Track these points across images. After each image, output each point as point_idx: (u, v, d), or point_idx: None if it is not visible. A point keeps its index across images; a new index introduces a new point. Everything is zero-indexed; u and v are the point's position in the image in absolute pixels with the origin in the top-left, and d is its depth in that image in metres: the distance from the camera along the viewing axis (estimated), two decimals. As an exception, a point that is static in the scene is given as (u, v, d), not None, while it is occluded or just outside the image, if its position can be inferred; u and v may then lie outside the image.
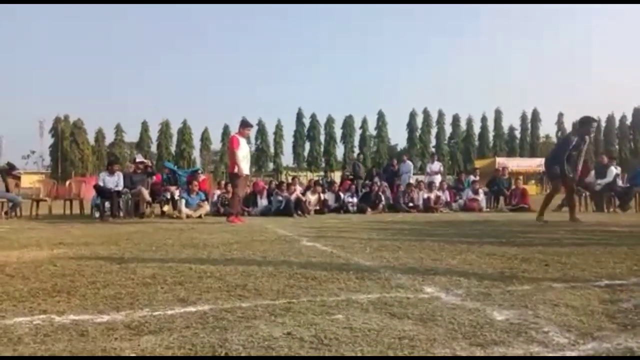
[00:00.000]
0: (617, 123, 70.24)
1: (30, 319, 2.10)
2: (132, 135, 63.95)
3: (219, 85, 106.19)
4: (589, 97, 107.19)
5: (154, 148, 62.83)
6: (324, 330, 1.88)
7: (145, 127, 62.85)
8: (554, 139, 68.50)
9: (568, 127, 69.05)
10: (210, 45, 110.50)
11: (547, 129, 70.29)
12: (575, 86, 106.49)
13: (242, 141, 8.63)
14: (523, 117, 70.42)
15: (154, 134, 63.26)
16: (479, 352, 1.64)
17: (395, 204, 12.49)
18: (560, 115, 70.94)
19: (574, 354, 1.62)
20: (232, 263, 3.59)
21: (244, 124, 8.84)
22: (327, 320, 2.02)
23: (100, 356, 1.64)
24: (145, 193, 10.16)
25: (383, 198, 12.43)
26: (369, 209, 11.73)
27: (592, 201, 12.20)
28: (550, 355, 1.61)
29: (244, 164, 8.51)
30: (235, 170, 8.42)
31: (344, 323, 1.98)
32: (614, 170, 12.52)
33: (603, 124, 68.59)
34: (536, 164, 43.05)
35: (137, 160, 11.79)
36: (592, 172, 12.08)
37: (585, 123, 7.59)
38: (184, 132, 62.91)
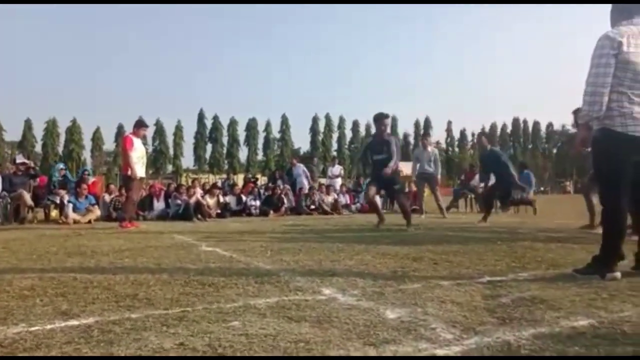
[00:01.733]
0: (498, 131, 76.81)
1: None
2: (13, 134, 58.45)
3: (114, 82, 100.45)
4: (474, 107, 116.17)
5: (38, 148, 57.89)
6: (218, 339, 1.83)
7: (28, 126, 57.70)
8: (444, 145, 73.44)
9: (456, 134, 74.36)
10: (108, 39, 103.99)
11: (438, 136, 75.23)
12: (463, 96, 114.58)
13: (137, 142, 8.20)
14: (416, 124, 74.61)
15: (38, 132, 58.28)
16: (371, 352, 1.68)
17: (298, 207, 12.59)
18: (450, 122, 76.17)
19: (458, 349, 1.72)
20: (122, 271, 3.38)
21: (139, 124, 8.42)
22: (223, 328, 1.97)
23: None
24: (27, 197, 9.29)
25: (285, 201, 12.48)
26: (272, 212, 11.71)
27: (477, 203, 13.20)
28: (437, 351, 1.70)
29: (139, 166, 8.10)
30: (129, 172, 7.98)
31: (240, 330, 1.94)
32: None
33: (487, 131, 74.66)
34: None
35: (18, 161, 10.74)
36: (477, 176, 13.09)
37: (377, 120, 7.76)
38: (73, 131, 58.65)
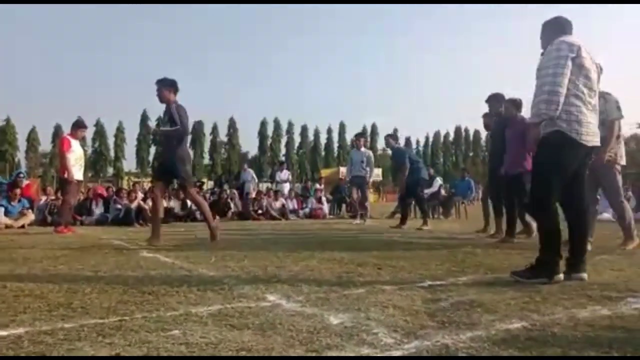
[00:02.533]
0: (442, 139, 79.28)
1: None
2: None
3: (51, 80, 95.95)
4: (418, 116, 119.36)
5: (-34, 148, 54.30)
6: (157, 348, 1.77)
7: (-45, 124, 54.09)
8: (389, 151, 74.71)
9: (401, 141, 75.89)
10: (46, 33, 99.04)
11: (383, 143, 76.73)
12: (409, 104, 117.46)
13: (75, 143, 7.88)
14: (363, 131, 75.73)
15: (-34, 132, 54.70)
16: (314, 358, 1.68)
17: (244, 212, 12.46)
18: (396, 130, 77.75)
19: (399, 353, 1.75)
20: (56, 279, 3.22)
21: (78, 125, 8.10)
22: (162, 337, 1.91)
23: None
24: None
25: (232, 205, 12.31)
26: (217, 217, 11.51)
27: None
28: (379, 355, 1.72)
29: (76, 169, 7.78)
30: (66, 175, 7.65)
31: (180, 339, 1.89)
32: (439, 181, 14.31)
33: (431, 139, 77.02)
34: (375, 174, 46.28)
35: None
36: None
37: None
38: (7, 131, 55.51)
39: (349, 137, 73.38)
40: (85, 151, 8.42)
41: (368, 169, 10.31)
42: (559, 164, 3.22)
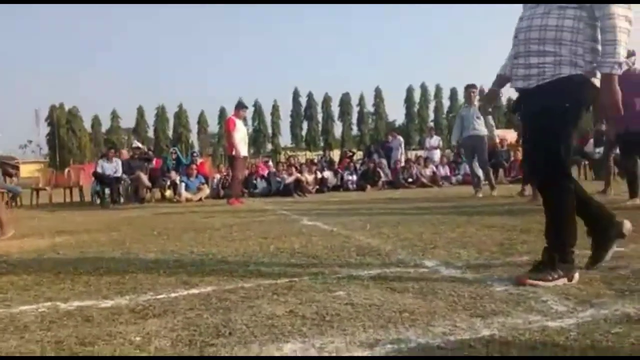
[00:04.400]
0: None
1: (35, 306, 2.12)
2: (128, 121, 63.53)
3: (214, 68, 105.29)
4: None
5: (150, 133, 62.53)
6: (325, 307, 1.91)
7: (140, 113, 62.40)
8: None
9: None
10: (202, 28, 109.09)
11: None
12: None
13: (239, 123, 8.61)
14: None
15: (150, 119, 62.88)
16: (479, 323, 1.66)
17: (395, 180, 12.50)
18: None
19: (572, 321, 1.64)
20: (233, 245, 3.61)
21: (240, 106, 8.83)
22: (329, 297, 2.05)
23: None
24: (144, 178, 10.16)
25: (382, 175, 12.44)
26: (369, 186, 11.75)
27: (591, 170, 12.20)
28: (549, 324, 1.64)
29: (242, 146, 8.51)
30: (234, 152, 8.42)
31: (346, 299, 2.01)
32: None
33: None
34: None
35: (134, 146, 11.79)
36: (591, 141, 12.05)
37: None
38: (180, 115, 62.50)
39: (505, 97, 68.71)
40: (247, 129, 9.12)
41: (483, 126, 8.15)
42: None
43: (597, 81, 2.16)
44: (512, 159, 13.30)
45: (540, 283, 2.09)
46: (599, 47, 2.14)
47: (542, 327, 1.60)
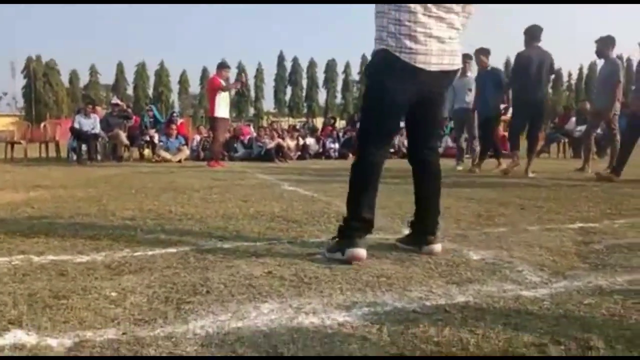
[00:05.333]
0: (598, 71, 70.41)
1: (8, 259, 2.08)
2: (107, 77, 61.90)
3: (198, 27, 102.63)
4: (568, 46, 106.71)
5: (130, 90, 61.14)
6: (304, 270, 1.91)
7: (120, 69, 60.89)
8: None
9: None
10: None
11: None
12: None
13: (221, 83, 8.45)
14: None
15: (129, 76, 61.39)
16: (454, 290, 1.69)
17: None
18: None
19: (546, 291, 1.68)
20: (212, 206, 3.59)
21: (222, 66, 8.64)
22: (307, 261, 2.05)
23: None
24: (123, 136, 9.98)
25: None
26: (351, 155, 11.74)
27: (570, 147, 12.38)
28: (524, 293, 1.67)
29: (224, 107, 8.38)
30: (215, 113, 8.29)
31: (324, 263, 2.01)
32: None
33: (585, 72, 68.86)
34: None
35: (112, 102, 11.50)
36: (573, 119, 12.20)
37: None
38: (161, 74, 61.13)
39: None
40: (229, 92, 8.94)
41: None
42: None
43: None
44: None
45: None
46: None
47: (516, 295, 1.63)
